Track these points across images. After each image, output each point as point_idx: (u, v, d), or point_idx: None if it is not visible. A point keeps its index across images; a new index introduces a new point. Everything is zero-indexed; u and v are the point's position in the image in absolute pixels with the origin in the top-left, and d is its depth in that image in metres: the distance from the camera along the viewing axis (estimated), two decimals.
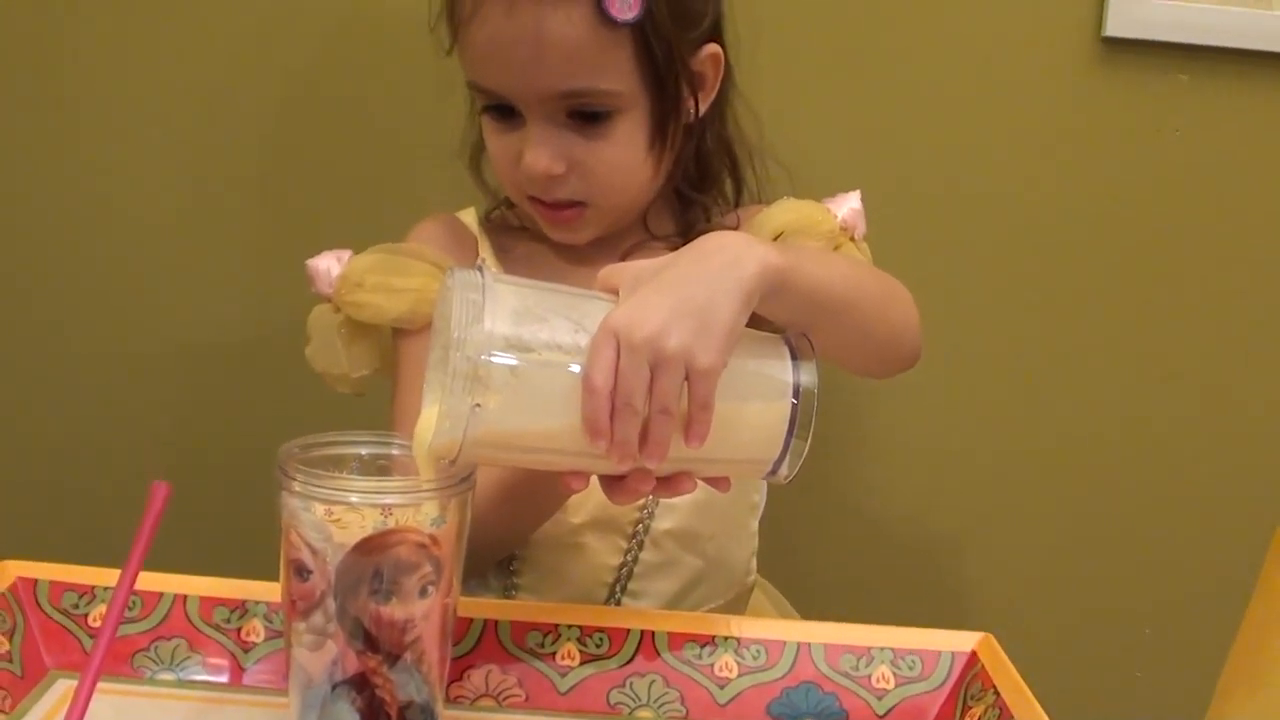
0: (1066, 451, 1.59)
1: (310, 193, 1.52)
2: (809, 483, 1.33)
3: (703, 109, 1.12)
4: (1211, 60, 1.51)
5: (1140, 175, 1.54)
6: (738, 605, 1.19)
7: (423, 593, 0.81)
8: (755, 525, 1.21)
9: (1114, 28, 1.51)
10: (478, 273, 0.80)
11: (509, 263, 1.18)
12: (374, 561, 0.79)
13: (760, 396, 0.83)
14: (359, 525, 0.79)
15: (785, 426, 0.83)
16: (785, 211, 1.13)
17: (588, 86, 1.05)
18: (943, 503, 1.61)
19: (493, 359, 0.78)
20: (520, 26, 1.03)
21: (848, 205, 1.16)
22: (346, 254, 1.15)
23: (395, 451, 0.86)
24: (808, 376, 0.84)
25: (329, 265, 1.14)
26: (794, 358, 0.84)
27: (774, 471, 0.85)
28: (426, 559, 0.80)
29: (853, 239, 1.15)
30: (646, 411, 0.78)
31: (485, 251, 1.19)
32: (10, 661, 0.89)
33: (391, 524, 0.79)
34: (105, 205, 1.54)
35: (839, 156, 1.51)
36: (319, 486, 0.79)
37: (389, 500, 0.79)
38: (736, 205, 1.22)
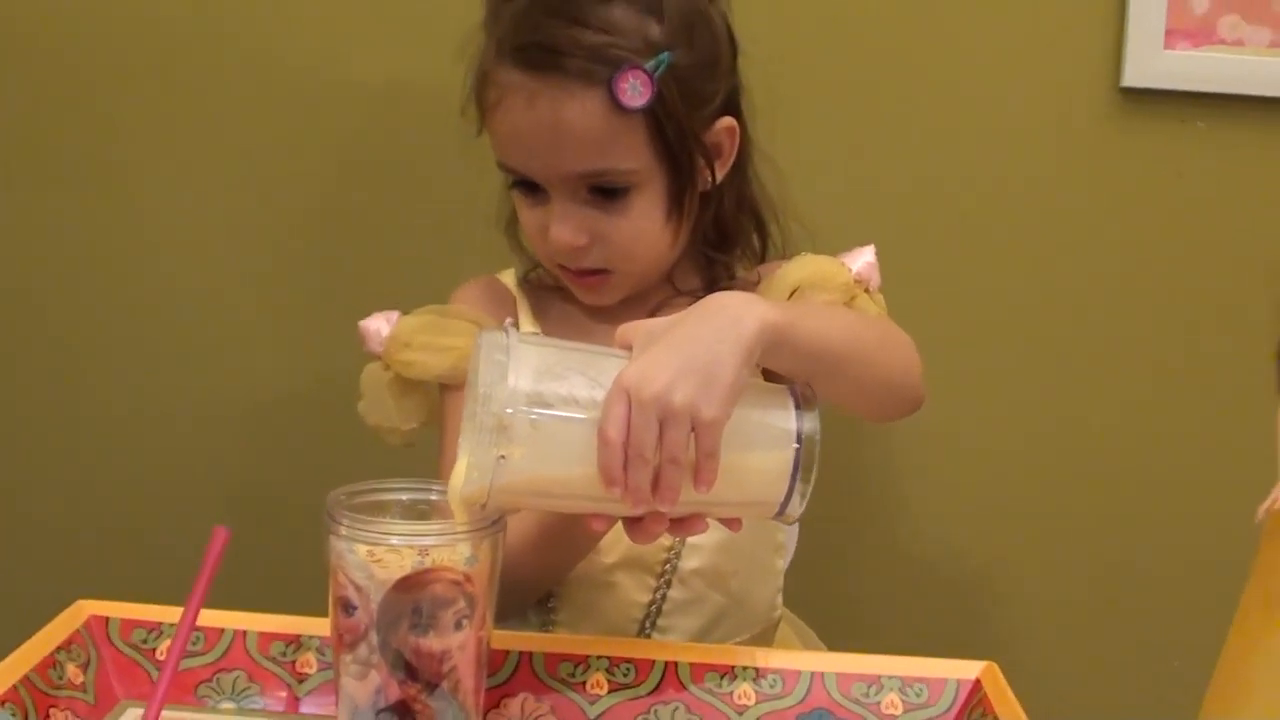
0: (1090, 492, 1.64)
1: (362, 258, 1.62)
2: (844, 516, 1.40)
3: (719, 177, 1.19)
4: (1227, 107, 1.57)
5: (1161, 220, 1.59)
6: (764, 639, 1.25)
7: (458, 626, 0.88)
8: (781, 564, 1.27)
9: (1131, 78, 1.58)
10: (504, 334, 0.88)
11: (545, 321, 1.25)
12: (413, 598, 0.87)
13: (765, 444, 0.90)
14: (399, 565, 0.86)
15: (789, 471, 0.90)
16: (802, 267, 1.20)
17: (605, 167, 1.12)
18: (972, 535, 1.67)
19: (516, 414, 0.85)
20: (540, 116, 1.10)
21: (862, 259, 1.21)
22: (395, 315, 1.23)
23: (433, 497, 0.93)
24: (810, 424, 0.90)
25: (379, 326, 1.22)
26: (798, 406, 0.91)
27: (781, 512, 0.91)
28: (461, 595, 0.88)
29: (867, 290, 1.21)
30: (657, 460, 0.85)
31: (523, 310, 1.26)
32: (85, 691, 0.97)
33: (428, 563, 0.87)
34: (174, 275, 1.65)
35: (865, 210, 1.58)
36: (362, 530, 0.87)
37: (426, 541, 0.87)
38: (763, 259, 1.28)
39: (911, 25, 1.58)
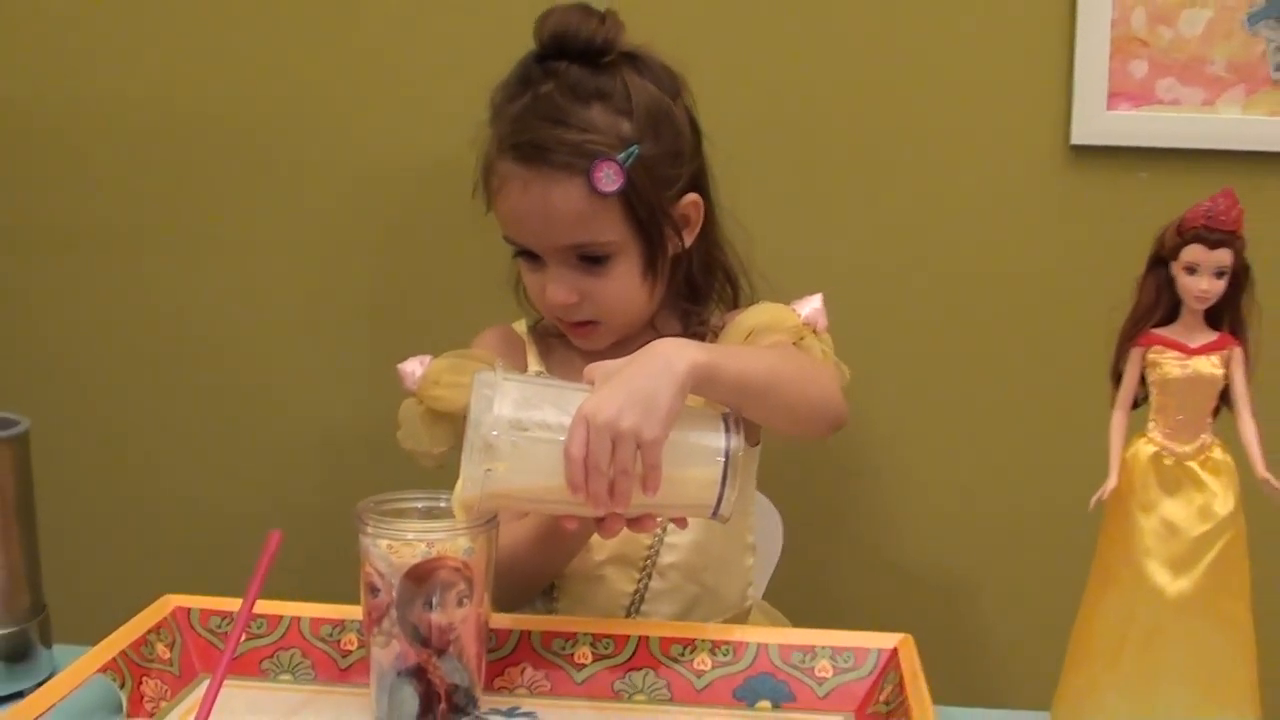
0: (1052, 517, 1.77)
1: (402, 311, 1.88)
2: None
3: (688, 242, 1.42)
4: (1166, 160, 1.74)
5: (1109, 264, 1.75)
6: (735, 624, 1.47)
7: (460, 603, 1.11)
8: (750, 562, 1.49)
9: (1079, 137, 1.76)
10: (493, 373, 1.12)
11: (549, 361, 1.48)
12: (423, 581, 1.10)
13: (699, 459, 1.13)
14: (411, 555, 1.09)
15: (719, 480, 1.12)
16: (758, 314, 1.40)
17: (588, 240, 1.35)
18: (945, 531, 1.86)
19: (500, 436, 1.08)
20: (533, 200, 1.34)
21: (810, 306, 1.41)
22: (427, 358, 1.44)
23: (441, 503, 1.16)
24: (735, 443, 1.13)
25: (413, 368, 1.44)
26: (727, 429, 1.14)
27: (715, 513, 1.14)
28: (461, 579, 1.10)
29: (814, 332, 1.41)
30: (612, 472, 1.08)
31: (531, 353, 1.49)
32: (171, 665, 1.20)
33: (434, 553, 1.09)
34: (249, 329, 1.92)
35: (827, 261, 1.78)
36: (383, 528, 1.10)
37: (432, 536, 1.10)
38: (735, 306, 1.50)
39: (877, 91, 1.78)
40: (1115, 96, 1.75)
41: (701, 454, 1.13)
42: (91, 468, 1.98)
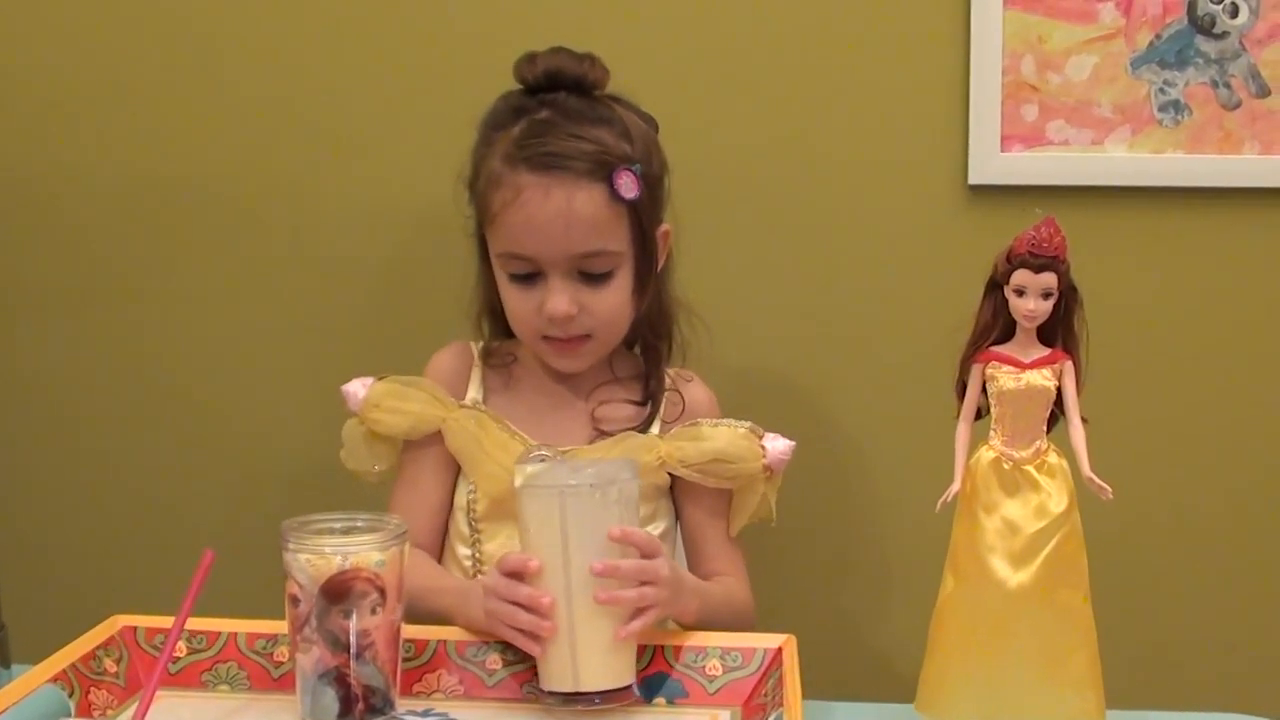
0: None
1: (349, 342, 2.00)
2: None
3: (658, 271, 1.53)
4: (1059, 197, 1.86)
5: None
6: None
7: (373, 612, 1.22)
8: None
9: (975, 177, 1.89)
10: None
11: (491, 389, 1.58)
12: (339, 591, 1.21)
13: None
14: (328, 568, 1.20)
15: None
16: (727, 440, 1.49)
17: (601, 248, 1.45)
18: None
19: None
20: (555, 205, 1.43)
21: (777, 446, 1.51)
22: (370, 380, 1.55)
23: (358, 523, 1.27)
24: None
25: (356, 389, 1.55)
26: None
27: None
28: (374, 589, 1.21)
29: (769, 477, 1.51)
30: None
31: (475, 379, 1.58)
32: (118, 678, 1.31)
33: (349, 566, 1.21)
34: (202, 360, 2.05)
35: (727, 300, 1.89)
36: (303, 544, 1.21)
37: (347, 550, 1.21)
38: (669, 348, 1.60)
39: (778, 136, 1.91)
40: (1009, 139, 1.88)
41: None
42: (49, 491, 2.11)
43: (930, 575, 1.21)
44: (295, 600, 1.22)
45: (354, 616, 1.21)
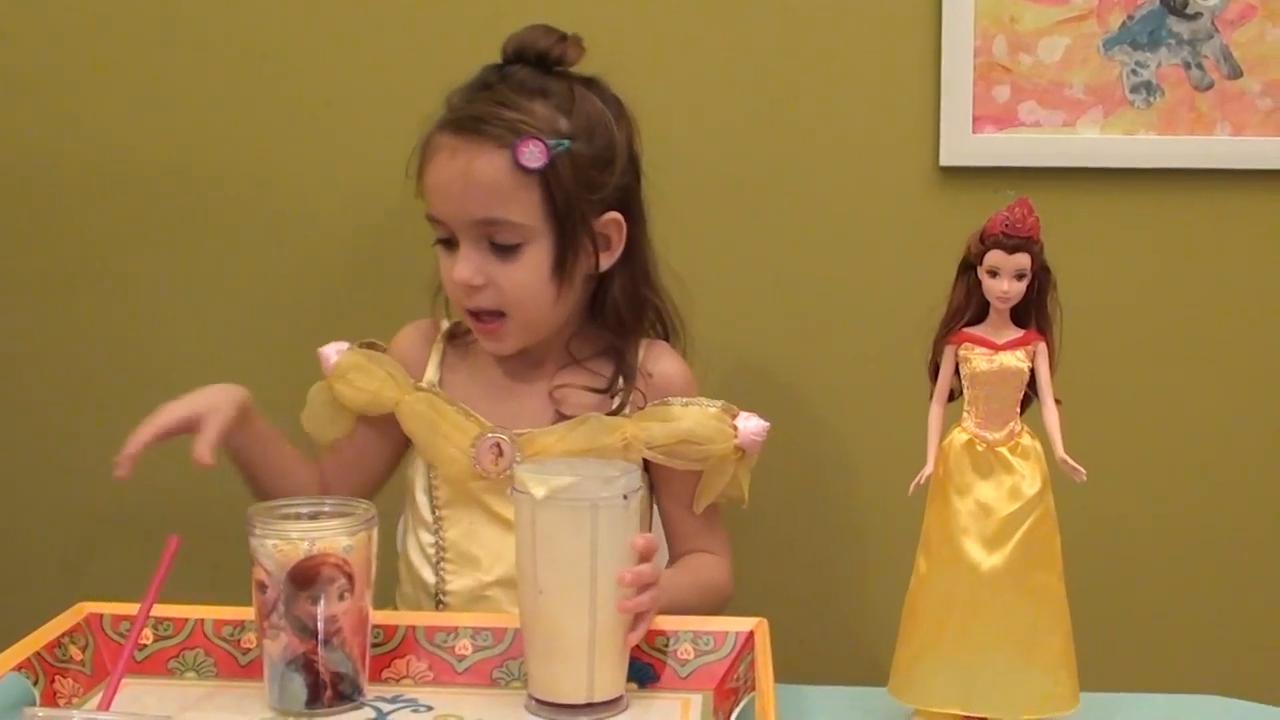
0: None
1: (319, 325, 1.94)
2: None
3: (605, 265, 1.50)
4: (1030, 178, 1.85)
5: None
6: None
7: (341, 597, 1.21)
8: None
9: (947, 158, 1.88)
10: None
11: (449, 370, 1.56)
12: (306, 577, 1.20)
13: None
14: (295, 554, 1.19)
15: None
16: (697, 419, 1.46)
17: (501, 216, 1.44)
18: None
19: None
20: (456, 167, 1.43)
21: (750, 426, 1.47)
22: (345, 347, 1.54)
23: (325, 508, 1.26)
24: None
25: (331, 354, 1.55)
26: None
27: None
28: (342, 574, 1.20)
29: (742, 457, 1.49)
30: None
31: (434, 360, 1.57)
32: (84, 666, 1.29)
33: (317, 551, 1.19)
34: (164, 341, 2.03)
35: (701, 281, 1.81)
36: (270, 529, 1.20)
37: (314, 536, 1.20)
38: (666, 337, 1.59)
39: (750, 118, 1.91)
40: (980, 120, 1.88)
41: None
42: (12, 477, 2.09)
43: (903, 558, 1.21)
44: (262, 586, 1.21)
45: (322, 602, 1.20)
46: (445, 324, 1.60)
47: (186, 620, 1.34)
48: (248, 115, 1.97)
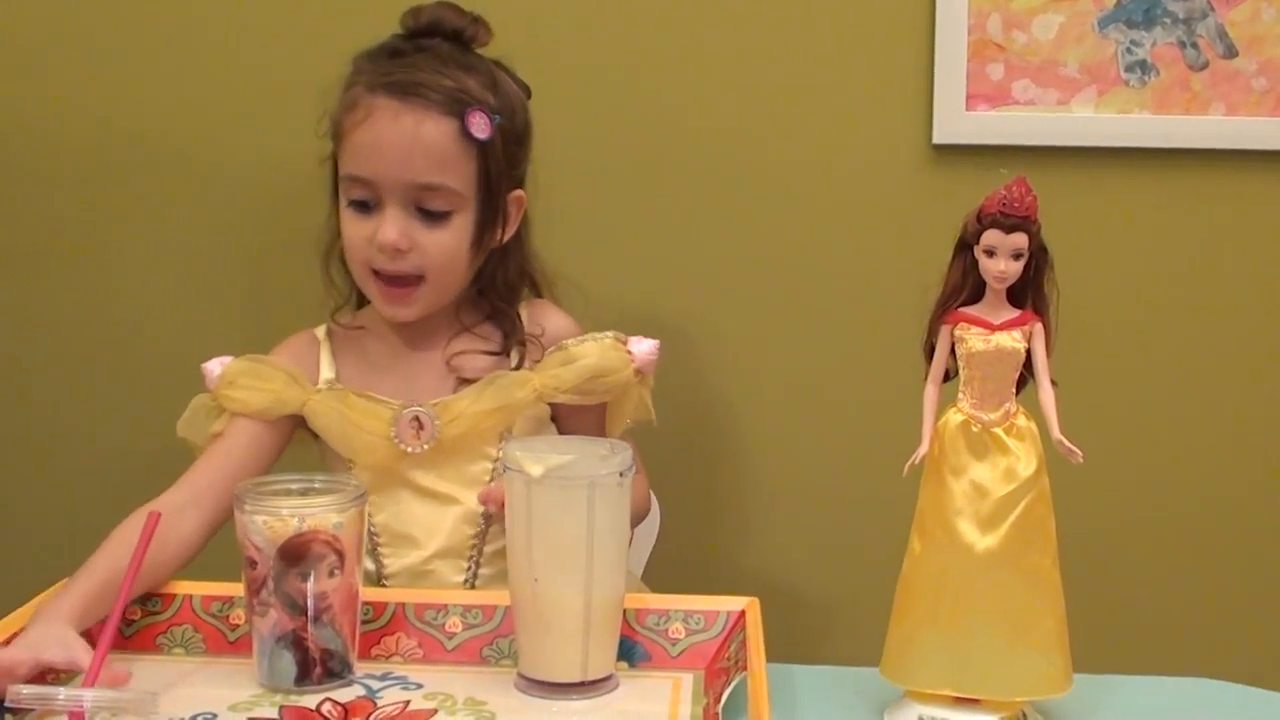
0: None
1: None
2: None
3: (504, 237, 1.52)
4: (1023, 157, 1.84)
5: None
6: None
7: (331, 574, 1.20)
8: None
9: (940, 136, 1.87)
10: None
11: (342, 361, 1.54)
12: (296, 554, 1.19)
13: None
14: (285, 530, 1.19)
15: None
16: (594, 354, 1.49)
17: (441, 183, 1.44)
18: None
19: None
20: (402, 129, 1.43)
21: (643, 348, 1.52)
22: (228, 359, 1.52)
23: (315, 484, 1.25)
24: None
25: (214, 368, 1.52)
26: None
27: None
28: (332, 551, 1.20)
29: (642, 379, 1.52)
30: None
31: (325, 357, 1.54)
32: None
33: (307, 528, 1.19)
34: (133, 325, 2.01)
35: (694, 261, 1.89)
36: (260, 505, 1.19)
37: (305, 513, 1.19)
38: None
39: (743, 95, 1.89)
40: (974, 98, 1.86)
41: None
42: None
43: (897, 538, 1.20)
44: (252, 563, 1.20)
45: (312, 579, 1.20)
46: (319, 330, 1.58)
47: (174, 596, 1.34)
48: (230, 90, 1.95)
